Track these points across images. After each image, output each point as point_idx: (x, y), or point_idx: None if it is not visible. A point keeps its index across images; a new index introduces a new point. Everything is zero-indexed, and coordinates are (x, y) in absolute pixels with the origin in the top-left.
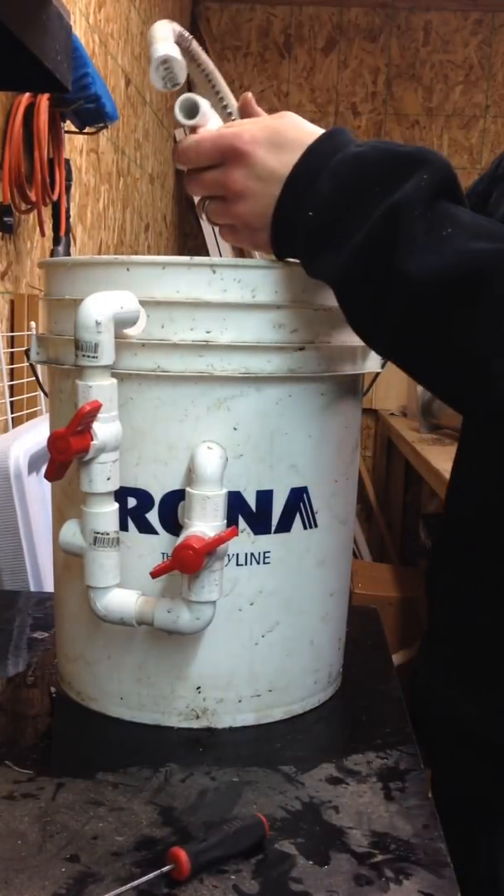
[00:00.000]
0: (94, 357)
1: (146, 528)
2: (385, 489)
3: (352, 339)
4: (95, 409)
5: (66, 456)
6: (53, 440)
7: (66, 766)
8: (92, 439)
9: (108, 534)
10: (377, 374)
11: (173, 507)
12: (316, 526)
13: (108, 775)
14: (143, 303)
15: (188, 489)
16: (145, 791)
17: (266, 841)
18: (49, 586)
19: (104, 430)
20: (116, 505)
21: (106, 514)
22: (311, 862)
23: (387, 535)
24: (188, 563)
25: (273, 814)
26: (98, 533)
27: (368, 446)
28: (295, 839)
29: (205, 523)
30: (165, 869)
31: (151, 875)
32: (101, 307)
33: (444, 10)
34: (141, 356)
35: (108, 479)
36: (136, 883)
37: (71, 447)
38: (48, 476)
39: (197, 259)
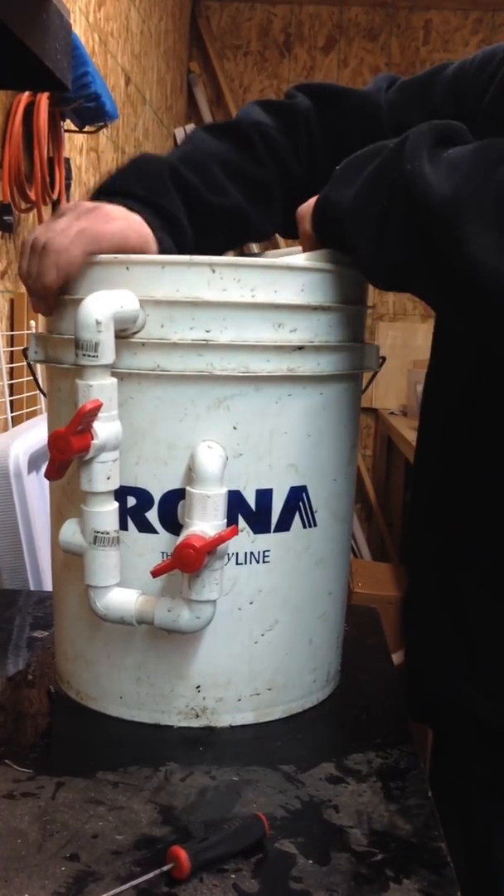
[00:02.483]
0: (94, 356)
1: (146, 527)
2: (385, 489)
3: (351, 338)
4: (96, 409)
5: (66, 455)
6: (54, 439)
7: (66, 765)
8: (92, 438)
9: (107, 533)
10: (375, 373)
11: (173, 507)
12: (315, 525)
13: (108, 774)
14: (142, 302)
15: (188, 488)
16: (145, 790)
17: (266, 840)
18: (49, 585)
19: (104, 429)
20: (116, 504)
21: (106, 513)
22: (310, 861)
23: (387, 535)
24: (189, 562)
25: (273, 813)
26: (98, 532)
27: (368, 446)
28: (295, 838)
29: (205, 522)
30: (165, 868)
31: (152, 874)
32: (101, 306)
33: (444, 9)
34: (141, 355)
35: (108, 478)
36: (136, 882)
37: (71, 446)
38: (48, 475)
39: (196, 258)
